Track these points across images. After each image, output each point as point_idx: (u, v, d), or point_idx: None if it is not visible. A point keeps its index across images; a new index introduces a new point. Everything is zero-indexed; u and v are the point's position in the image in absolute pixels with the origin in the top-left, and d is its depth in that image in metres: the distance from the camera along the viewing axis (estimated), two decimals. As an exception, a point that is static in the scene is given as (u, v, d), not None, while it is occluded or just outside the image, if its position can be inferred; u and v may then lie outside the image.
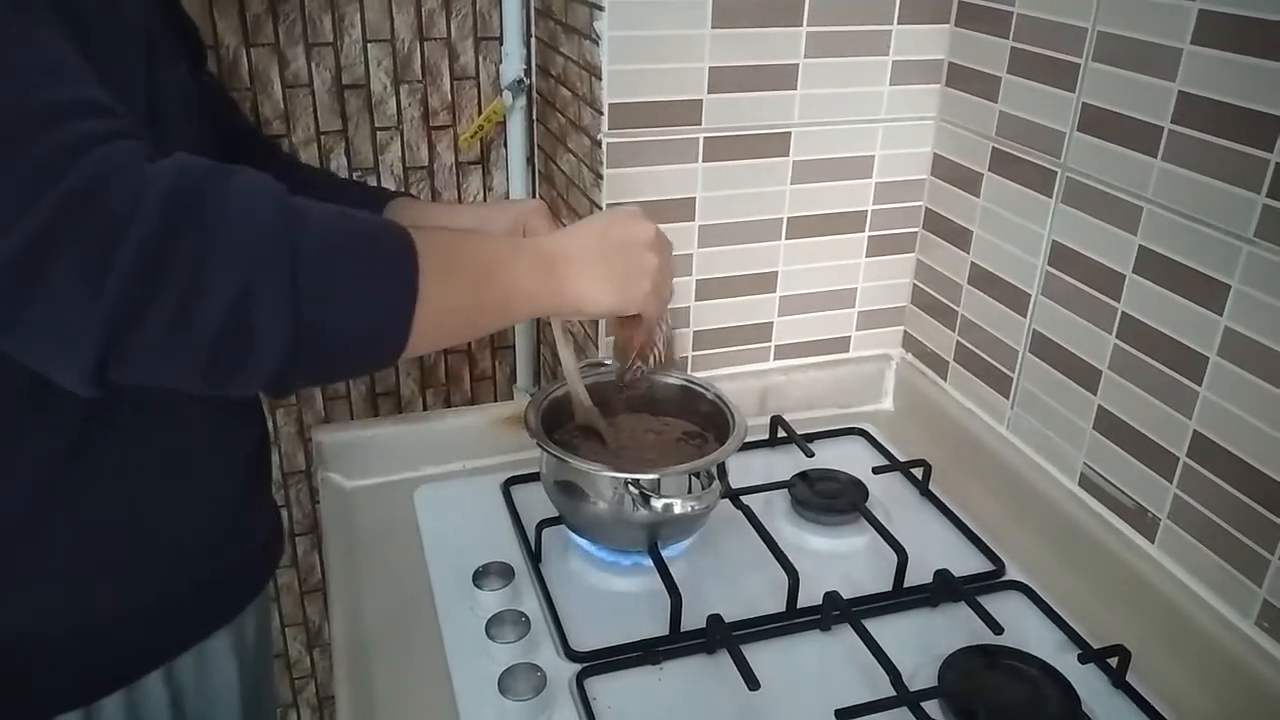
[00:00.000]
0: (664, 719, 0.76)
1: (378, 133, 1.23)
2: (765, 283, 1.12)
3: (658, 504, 0.81)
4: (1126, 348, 0.89)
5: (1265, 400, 0.76)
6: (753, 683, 0.74)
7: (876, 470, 1.04)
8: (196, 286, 0.50)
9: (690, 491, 0.84)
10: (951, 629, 0.85)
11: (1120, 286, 0.89)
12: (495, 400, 1.44)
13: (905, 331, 1.22)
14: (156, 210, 0.49)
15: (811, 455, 1.04)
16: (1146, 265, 0.86)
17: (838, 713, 0.73)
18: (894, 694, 0.75)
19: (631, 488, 0.82)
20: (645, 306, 0.77)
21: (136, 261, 0.49)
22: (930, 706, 0.75)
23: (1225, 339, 0.79)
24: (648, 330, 0.85)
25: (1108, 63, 0.87)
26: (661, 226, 0.80)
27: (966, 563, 0.93)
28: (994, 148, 1.02)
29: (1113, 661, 0.80)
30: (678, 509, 0.82)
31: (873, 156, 1.10)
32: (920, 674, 0.79)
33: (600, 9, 0.96)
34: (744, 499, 0.96)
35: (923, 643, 0.83)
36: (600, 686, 0.78)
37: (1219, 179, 0.78)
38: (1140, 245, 0.86)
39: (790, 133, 1.06)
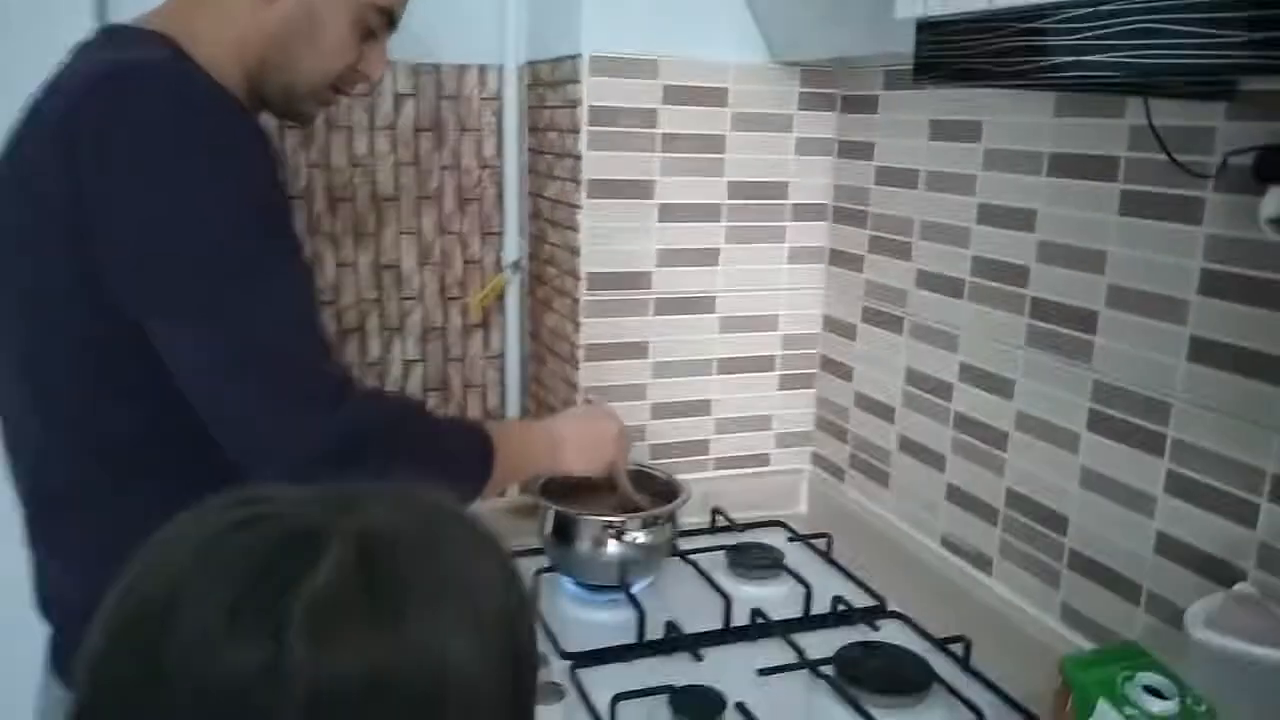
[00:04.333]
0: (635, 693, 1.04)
1: (404, 301, 1.59)
2: (702, 408, 1.48)
3: (628, 538, 1.13)
4: (959, 435, 1.25)
5: (1046, 456, 1.12)
6: (697, 656, 1.03)
7: (791, 539, 1.36)
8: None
9: (648, 528, 1.16)
10: (846, 637, 1.15)
11: (951, 392, 1.26)
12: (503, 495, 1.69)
13: (814, 451, 1.56)
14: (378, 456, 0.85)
15: (742, 532, 1.36)
16: (964, 374, 1.23)
17: (759, 670, 1.02)
18: (799, 661, 1.05)
19: (608, 528, 1.14)
20: (605, 470, 1.18)
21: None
22: (826, 670, 1.04)
23: (1018, 419, 1.16)
24: (614, 473, 1.20)
25: (929, 240, 1.28)
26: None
27: (859, 602, 1.23)
28: (864, 305, 1.42)
29: (958, 649, 1.11)
30: (640, 540, 1.13)
31: (778, 315, 1.49)
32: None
33: (579, 207, 1.36)
34: (691, 557, 1.27)
35: (824, 647, 1.12)
36: (587, 676, 1.06)
37: (1000, 309, 1.17)
38: (960, 361, 1.24)
39: (715, 296, 1.45)
